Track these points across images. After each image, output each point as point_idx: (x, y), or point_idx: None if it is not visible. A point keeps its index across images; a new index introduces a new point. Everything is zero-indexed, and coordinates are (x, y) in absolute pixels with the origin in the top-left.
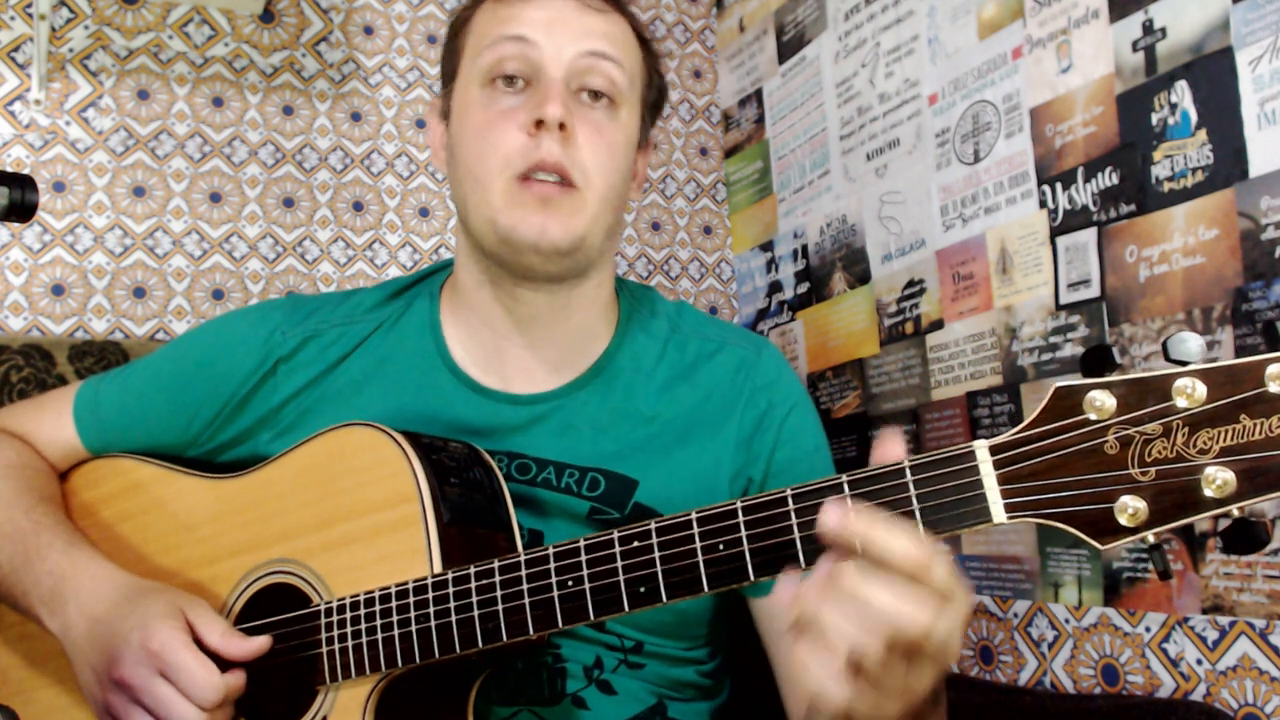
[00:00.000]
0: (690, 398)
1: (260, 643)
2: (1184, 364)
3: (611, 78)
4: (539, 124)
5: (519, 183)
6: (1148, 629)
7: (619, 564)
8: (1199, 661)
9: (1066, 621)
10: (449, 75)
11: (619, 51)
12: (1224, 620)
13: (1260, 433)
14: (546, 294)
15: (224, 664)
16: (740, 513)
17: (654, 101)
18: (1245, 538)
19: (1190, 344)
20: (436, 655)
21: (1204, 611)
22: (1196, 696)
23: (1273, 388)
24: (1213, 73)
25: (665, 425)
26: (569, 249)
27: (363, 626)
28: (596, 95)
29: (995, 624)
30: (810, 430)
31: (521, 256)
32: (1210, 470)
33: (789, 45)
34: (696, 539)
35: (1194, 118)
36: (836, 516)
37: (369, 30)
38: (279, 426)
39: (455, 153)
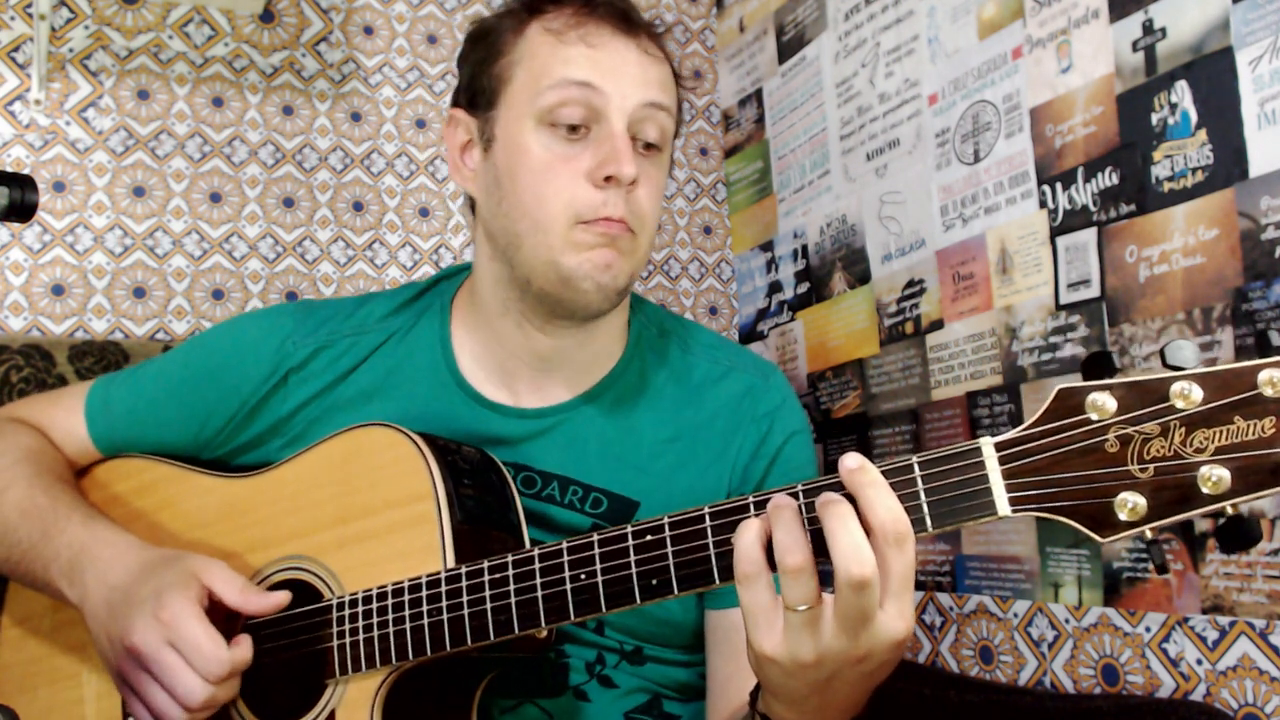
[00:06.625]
0: (695, 419)
1: (280, 598)
2: (1180, 369)
3: (664, 127)
4: (608, 179)
5: (581, 224)
6: (1148, 629)
7: (632, 557)
8: (1199, 661)
9: (1066, 621)
10: (488, 98)
11: (670, 100)
12: (1224, 620)
13: (1253, 433)
14: (574, 329)
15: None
16: (752, 508)
17: (676, 131)
18: (1239, 535)
19: (1186, 351)
20: (448, 648)
21: (1204, 611)
22: (1196, 696)
23: (1265, 391)
24: (1213, 73)
25: (668, 447)
26: (625, 286)
27: (374, 620)
28: (648, 145)
29: (995, 624)
30: (804, 460)
31: (581, 296)
32: (1206, 469)
33: (789, 45)
34: (709, 533)
35: (1194, 118)
36: (855, 459)
37: (369, 30)
38: (288, 435)
39: (506, 188)
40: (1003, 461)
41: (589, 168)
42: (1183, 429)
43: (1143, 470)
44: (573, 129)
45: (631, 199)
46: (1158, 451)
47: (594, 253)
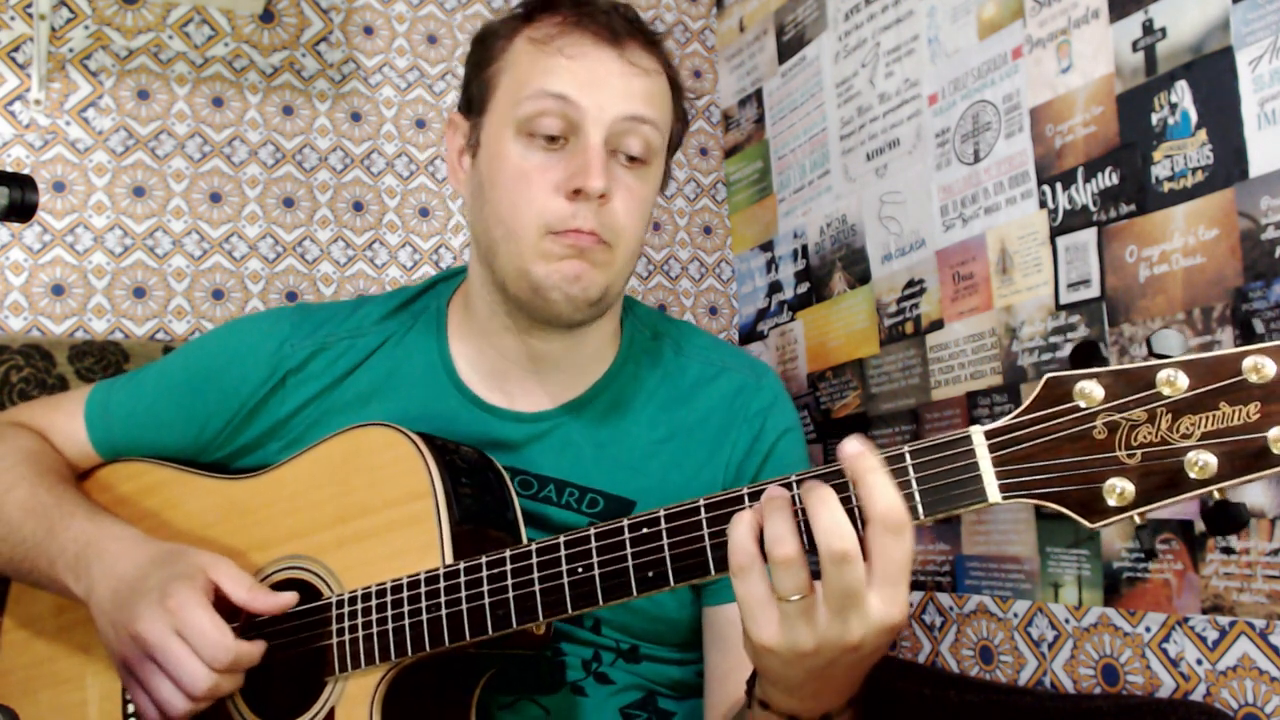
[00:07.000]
0: (688, 419)
1: (287, 598)
2: (1166, 357)
3: (648, 140)
4: (578, 191)
5: (551, 235)
6: (1148, 629)
7: (628, 550)
8: (1199, 661)
9: (1066, 621)
10: (478, 104)
11: (657, 113)
12: (1224, 620)
13: (1239, 419)
14: (561, 334)
15: (246, 631)
16: (746, 499)
17: (676, 141)
18: (1227, 519)
19: (1172, 339)
20: (446, 643)
21: (1204, 611)
22: (1196, 696)
23: (1250, 378)
24: (1213, 73)
25: (662, 447)
26: (598, 298)
27: (374, 617)
28: (631, 158)
29: (995, 624)
30: (797, 457)
31: (551, 306)
32: (1192, 454)
33: (789, 45)
34: (704, 525)
35: (1194, 118)
36: (857, 444)
37: (369, 30)
38: (287, 437)
39: (485, 194)
40: (992, 450)
41: (560, 179)
42: (1169, 415)
43: (1130, 456)
44: (551, 139)
45: (606, 211)
46: (1145, 438)
47: (563, 264)
